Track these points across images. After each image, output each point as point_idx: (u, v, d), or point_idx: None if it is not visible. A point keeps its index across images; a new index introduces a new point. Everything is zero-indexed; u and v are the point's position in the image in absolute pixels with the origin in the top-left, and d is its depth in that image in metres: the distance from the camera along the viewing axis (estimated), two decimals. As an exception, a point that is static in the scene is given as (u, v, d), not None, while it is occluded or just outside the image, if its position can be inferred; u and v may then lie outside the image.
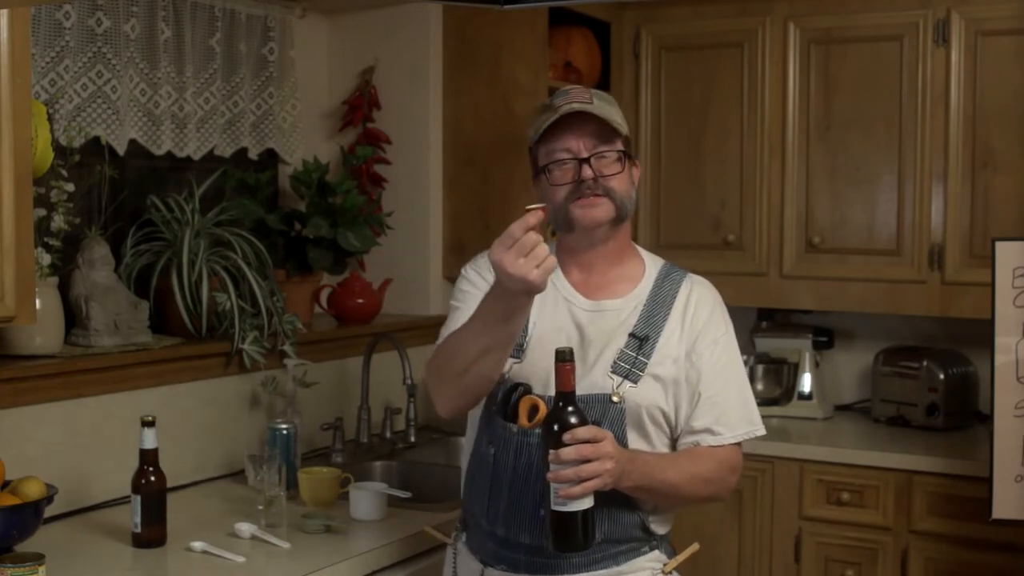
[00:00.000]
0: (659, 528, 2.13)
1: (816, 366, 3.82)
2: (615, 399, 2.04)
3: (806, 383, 3.80)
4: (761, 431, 2.14)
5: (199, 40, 3.15)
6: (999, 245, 2.89)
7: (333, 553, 2.36)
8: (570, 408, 1.88)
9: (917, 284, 3.51)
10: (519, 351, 2.09)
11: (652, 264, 2.19)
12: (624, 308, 2.11)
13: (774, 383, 3.82)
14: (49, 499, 2.28)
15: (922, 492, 3.25)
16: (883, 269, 3.55)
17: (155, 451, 2.39)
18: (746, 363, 3.77)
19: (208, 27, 3.18)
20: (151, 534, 2.38)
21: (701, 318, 2.12)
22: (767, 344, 3.88)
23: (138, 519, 2.36)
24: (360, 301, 3.48)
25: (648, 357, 2.07)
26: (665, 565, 2.12)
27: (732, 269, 3.74)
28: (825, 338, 3.86)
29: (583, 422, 1.87)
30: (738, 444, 2.11)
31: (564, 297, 2.12)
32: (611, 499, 2.00)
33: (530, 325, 2.09)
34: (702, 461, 2.08)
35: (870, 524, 3.32)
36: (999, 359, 2.87)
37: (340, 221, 3.31)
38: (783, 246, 3.69)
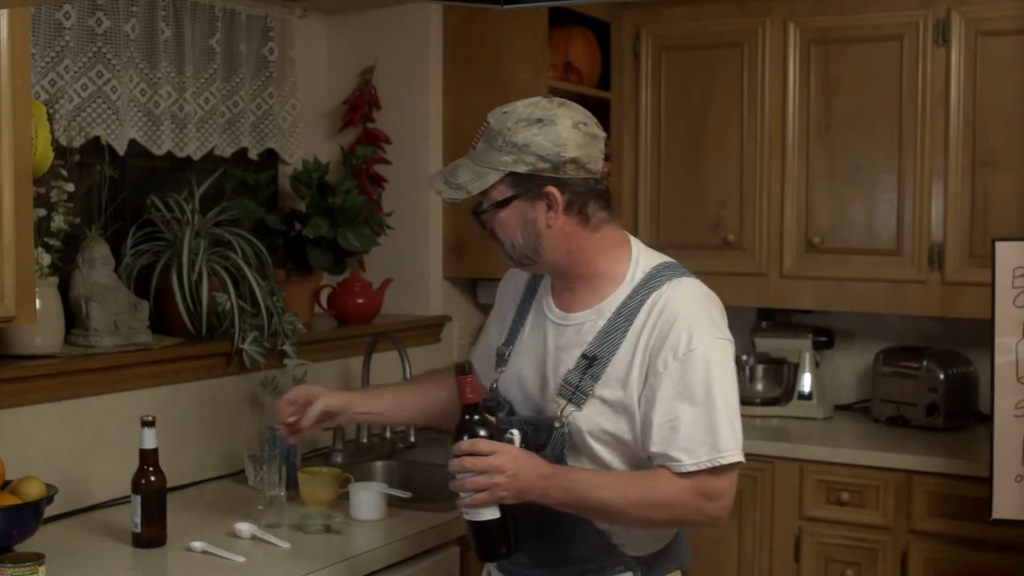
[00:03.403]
0: (632, 551, 2.04)
1: (816, 366, 3.82)
2: (557, 424, 1.98)
3: (806, 383, 3.80)
4: (731, 459, 1.92)
5: (199, 40, 3.15)
6: (999, 245, 2.89)
7: (333, 553, 2.36)
8: (467, 418, 1.92)
9: (917, 284, 3.51)
10: (503, 361, 2.12)
11: (640, 271, 2.04)
12: (586, 322, 2.02)
13: (774, 383, 3.82)
14: (49, 499, 2.28)
15: (922, 492, 3.25)
16: (883, 269, 3.55)
17: (155, 451, 2.39)
18: (746, 363, 3.82)
19: (208, 27, 3.17)
20: (151, 534, 2.37)
21: (661, 332, 1.94)
22: (767, 344, 3.88)
23: (138, 519, 2.36)
24: (360, 301, 3.47)
25: (596, 379, 1.97)
26: None
27: (732, 269, 3.74)
28: (825, 338, 3.86)
29: (473, 434, 1.91)
30: (714, 470, 1.91)
31: (543, 311, 2.09)
32: (561, 517, 1.98)
33: (517, 339, 2.11)
34: (656, 485, 1.93)
35: (870, 524, 3.32)
36: (999, 359, 2.87)
37: (340, 221, 3.31)
38: (783, 246, 3.69)
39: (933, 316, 3.62)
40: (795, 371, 3.80)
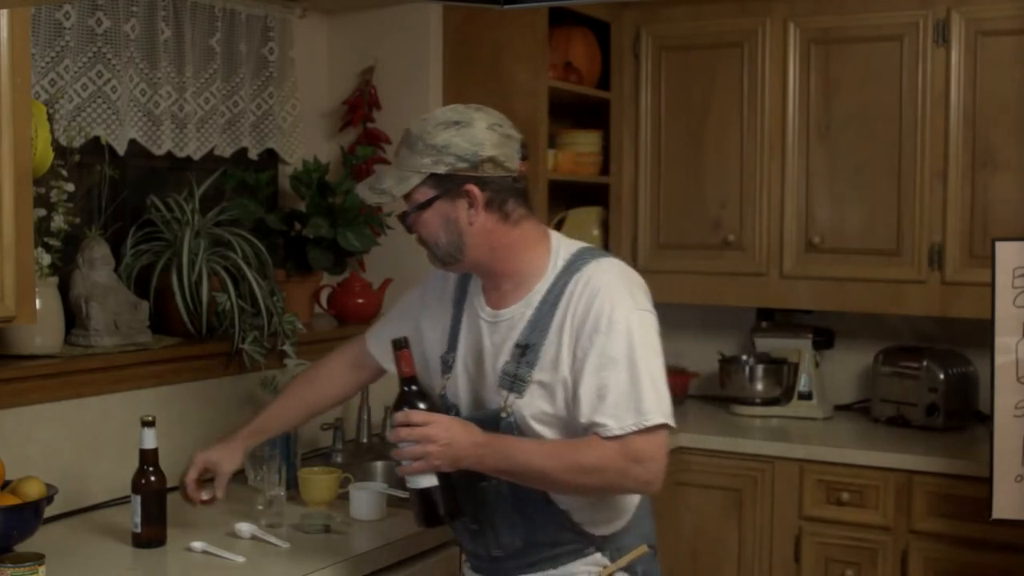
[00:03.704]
0: (596, 530, 2.11)
1: (816, 366, 3.82)
2: (503, 415, 2.07)
3: (806, 383, 3.80)
4: (655, 420, 1.97)
5: (199, 40, 3.15)
6: (999, 245, 2.89)
7: (333, 553, 2.36)
8: (404, 391, 2.06)
9: (917, 284, 3.51)
10: (448, 368, 2.20)
11: (561, 260, 2.12)
12: (516, 315, 2.10)
13: (774, 383, 3.82)
14: (49, 499, 2.28)
15: (922, 492, 3.25)
16: (883, 269, 3.56)
17: (155, 451, 2.39)
18: (746, 363, 3.82)
19: (208, 27, 3.17)
20: (151, 534, 2.37)
21: (584, 310, 2.03)
22: (767, 344, 3.88)
23: (138, 519, 2.36)
24: (360, 301, 3.47)
25: (532, 366, 2.05)
26: (604, 568, 2.11)
27: (732, 269, 3.74)
28: (825, 338, 3.86)
29: (412, 405, 2.04)
30: (641, 433, 1.97)
31: (476, 312, 2.17)
32: (524, 501, 2.07)
33: (458, 344, 2.19)
34: (586, 450, 2.00)
35: (870, 524, 3.32)
36: (999, 359, 2.87)
37: (340, 221, 3.31)
38: (783, 246, 3.69)
39: (933, 316, 3.62)
40: (795, 371, 3.81)
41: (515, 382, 2.06)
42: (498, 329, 2.12)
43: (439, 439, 2.00)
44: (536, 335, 2.06)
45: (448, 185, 2.05)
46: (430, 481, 2.04)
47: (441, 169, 2.03)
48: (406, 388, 2.06)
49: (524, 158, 2.12)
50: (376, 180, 2.10)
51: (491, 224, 2.07)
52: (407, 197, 2.08)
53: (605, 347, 2.00)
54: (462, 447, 2.01)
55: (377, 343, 2.40)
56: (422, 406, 2.04)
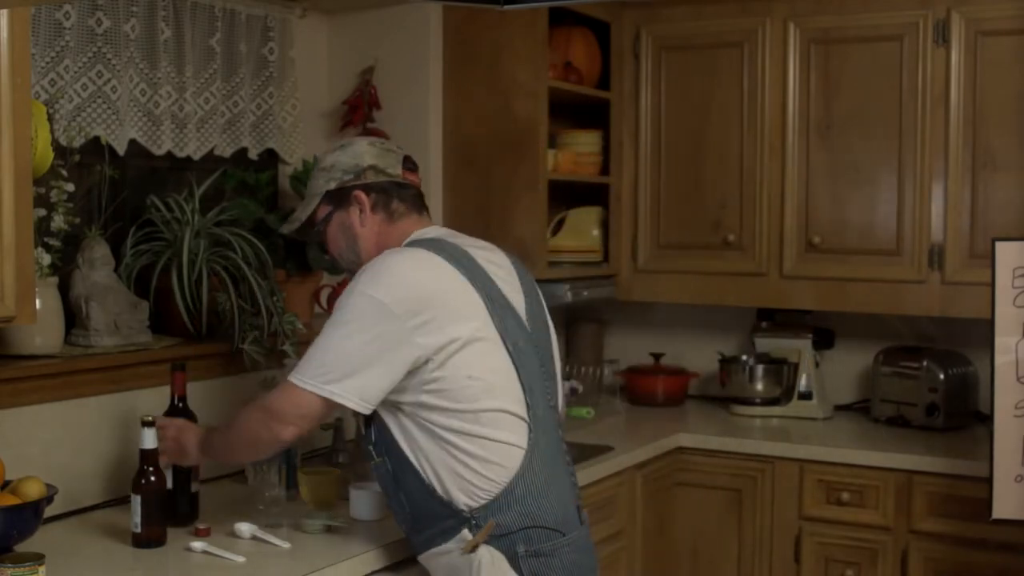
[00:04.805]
0: (458, 500, 2.19)
1: (816, 366, 3.82)
2: None
3: (806, 383, 3.80)
4: (297, 382, 2.17)
5: (199, 40, 3.15)
6: (999, 245, 2.89)
7: (333, 553, 2.36)
8: (172, 404, 2.54)
9: (917, 284, 3.52)
10: None
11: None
12: None
13: (774, 383, 3.82)
14: (49, 499, 2.28)
15: (922, 492, 3.25)
16: (883, 269, 3.56)
17: (155, 451, 2.39)
18: (745, 363, 3.82)
19: (208, 27, 3.18)
20: (151, 534, 2.37)
21: None
22: (767, 344, 3.88)
23: (138, 519, 2.36)
24: (360, 301, 3.47)
25: None
26: (465, 544, 2.19)
27: (732, 269, 3.74)
28: (825, 338, 3.86)
29: (169, 415, 2.49)
30: (284, 388, 2.20)
31: None
32: (399, 472, 2.24)
33: None
34: (250, 404, 2.30)
35: (870, 524, 3.32)
36: (999, 359, 2.87)
37: (340, 221, 3.31)
38: (783, 246, 3.69)
39: (933, 316, 3.62)
40: (795, 371, 3.81)
41: None
42: None
43: (169, 437, 2.39)
44: None
45: (341, 197, 2.34)
46: (169, 481, 2.43)
47: (332, 185, 2.34)
48: (173, 404, 2.54)
49: (411, 169, 2.39)
50: (291, 214, 2.43)
51: (378, 226, 2.34)
52: (314, 220, 2.37)
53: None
54: (188, 444, 2.39)
55: None
56: (180, 420, 2.45)
